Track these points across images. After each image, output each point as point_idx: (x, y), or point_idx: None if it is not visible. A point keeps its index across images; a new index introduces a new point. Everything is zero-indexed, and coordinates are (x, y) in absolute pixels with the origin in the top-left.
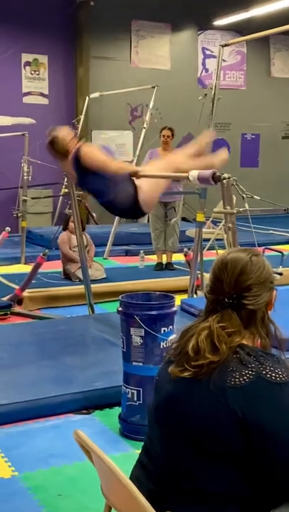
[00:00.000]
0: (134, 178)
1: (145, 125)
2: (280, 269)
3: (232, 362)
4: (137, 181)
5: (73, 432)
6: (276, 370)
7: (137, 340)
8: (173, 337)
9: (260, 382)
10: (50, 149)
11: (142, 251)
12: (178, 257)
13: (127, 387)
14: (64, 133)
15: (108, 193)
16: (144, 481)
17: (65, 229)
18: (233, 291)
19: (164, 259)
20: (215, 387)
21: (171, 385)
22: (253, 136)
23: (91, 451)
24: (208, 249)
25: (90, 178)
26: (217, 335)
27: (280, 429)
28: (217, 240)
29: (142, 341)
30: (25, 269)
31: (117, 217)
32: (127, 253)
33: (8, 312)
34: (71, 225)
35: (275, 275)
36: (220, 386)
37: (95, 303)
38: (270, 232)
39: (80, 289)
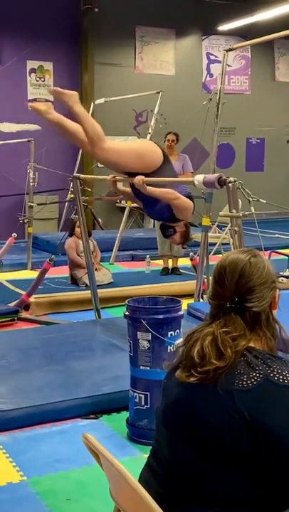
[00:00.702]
0: None
1: (150, 130)
2: (287, 272)
3: (239, 365)
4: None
5: (82, 435)
6: (284, 373)
7: (144, 344)
8: (179, 341)
9: (268, 384)
10: None
11: (148, 256)
12: (184, 262)
13: (134, 392)
14: None
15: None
16: (152, 484)
17: (71, 235)
18: (234, 295)
19: (170, 263)
20: (223, 390)
21: (179, 388)
22: (258, 141)
23: (100, 454)
24: (214, 254)
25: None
26: (221, 340)
27: (288, 431)
28: (223, 244)
29: (149, 345)
30: (32, 274)
31: (122, 222)
32: (133, 258)
33: (15, 318)
34: (77, 230)
35: (282, 278)
36: (228, 389)
37: (102, 308)
38: (277, 236)
39: (86, 294)
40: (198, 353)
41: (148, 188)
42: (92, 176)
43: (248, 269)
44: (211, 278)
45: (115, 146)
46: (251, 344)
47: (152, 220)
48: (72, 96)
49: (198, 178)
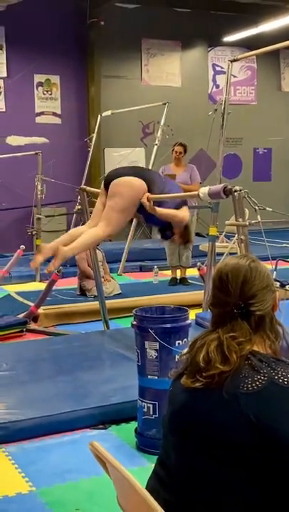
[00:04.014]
0: None
1: (157, 142)
2: None
3: (244, 369)
4: None
5: (89, 444)
6: (288, 375)
7: (151, 353)
8: (185, 351)
9: (273, 387)
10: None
11: (155, 266)
12: (192, 272)
13: (142, 401)
14: None
15: None
16: (160, 491)
17: None
18: (240, 301)
19: (179, 274)
20: (228, 394)
21: (185, 394)
22: (265, 151)
23: (106, 461)
24: None
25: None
26: (227, 345)
27: None
28: (231, 253)
29: (156, 354)
30: (41, 286)
31: (130, 233)
32: (141, 269)
33: (24, 329)
34: None
35: None
36: (233, 393)
37: (110, 319)
38: (284, 245)
39: (94, 305)
40: (204, 358)
41: (158, 209)
42: (97, 190)
43: (250, 274)
44: (211, 286)
45: (111, 221)
46: (255, 347)
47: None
48: (59, 252)
49: (203, 190)
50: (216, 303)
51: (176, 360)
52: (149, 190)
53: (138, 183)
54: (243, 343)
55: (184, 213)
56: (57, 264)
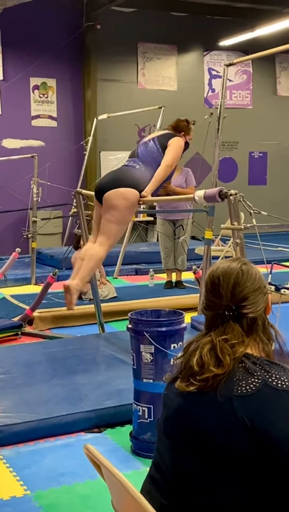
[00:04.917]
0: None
1: None
2: None
3: (238, 372)
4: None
5: (83, 447)
6: (282, 378)
7: (147, 357)
8: (179, 354)
9: (267, 389)
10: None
11: (151, 270)
12: (187, 275)
13: (137, 405)
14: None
15: None
16: (154, 495)
17: (76, 248)
18: (231, 303)
19: (174, 277)
20: (222, 397)
21: (179, 398)
22: (261, 155)
23: (101, 465)
24: None
25: None
26: (220, 348)
27: (287, 436)
28: (226, 257)
29: (152, 358)
30: (36, 289)
31: (126, 236)
32: (137, 272)
33: (19, 332)
34: (82, 244)
35: (284, 290)
36: (227, 396)
37: (105, 322)
38: (280, 249)
39: (90, 308)
40: (197, 361)
41: (149, 194)
42: (92, 193)
43: (241, 277)
44: (204, 290)
45: (110, 234)
46: (248, 350)
47: (156, 234)
48: (71, 288)
49: (199, 193)
50: (208, 306)
51: (172, 363)
52: (140, 190)
53: (130, 192)
54: (235, 345)
55: (162, 168)
56: (74, 300)
